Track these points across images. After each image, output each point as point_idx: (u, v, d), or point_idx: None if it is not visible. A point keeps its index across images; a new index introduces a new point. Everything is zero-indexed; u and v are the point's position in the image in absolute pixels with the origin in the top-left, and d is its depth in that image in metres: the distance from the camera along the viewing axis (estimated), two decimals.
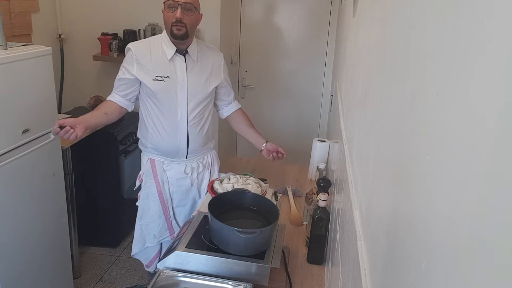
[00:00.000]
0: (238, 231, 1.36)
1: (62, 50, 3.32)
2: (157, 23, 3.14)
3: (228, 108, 2.15)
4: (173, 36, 1.84)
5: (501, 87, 0.27)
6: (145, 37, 3.11)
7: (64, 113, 2.97)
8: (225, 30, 3.42)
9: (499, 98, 0.27)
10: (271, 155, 2.07)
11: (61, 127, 1.69)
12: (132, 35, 3.16)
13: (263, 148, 2.09)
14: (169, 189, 2.02)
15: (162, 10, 1.85)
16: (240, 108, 2.19)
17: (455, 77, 0.36)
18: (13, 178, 1.86)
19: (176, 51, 1.88)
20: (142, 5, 3.21)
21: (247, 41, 3.83)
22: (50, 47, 2.07)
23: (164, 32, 1.92)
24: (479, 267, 0.28)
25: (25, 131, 1.90)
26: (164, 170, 2.00)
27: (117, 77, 1.94)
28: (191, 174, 2.04)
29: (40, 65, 2.00)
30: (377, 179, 0.67)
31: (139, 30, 3.17)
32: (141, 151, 2.09)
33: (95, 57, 3.23)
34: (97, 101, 2.87)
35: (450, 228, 0.34)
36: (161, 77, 1.87)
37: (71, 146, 2.42)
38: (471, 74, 0.32)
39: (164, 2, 1.82)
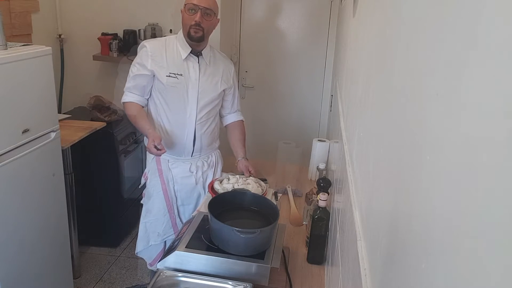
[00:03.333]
0: (238, 231, 1.36)
1: (62, 50, 3.32)
2: (157, 23, 3.14)
3: (231, 116, 2.18)
4: (189, 38, 1.89)
5: (501, 87, 0.27)
6: (145, 37, 3.11)
7: (64, 113, 2.97)
8: (225, 30, 3.42)
9: (499, 98, 0.27)
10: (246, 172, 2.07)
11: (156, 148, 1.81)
12: (132, 35, 3.16)
13: (236, 163, 2.12)
14: (174, 187, 2.04)
15: (182, 11, 1.89)
16: (241, 120, 2.21)
17: (455, 77, 0.36)
18: (13, 178, 1.86)
19: (191, 52, 1.93)
20: (142, 5, 3.21)
21: (247, 41, 3.83)
22: (50, 47, 2.07)
23: (180, 33, 1.95)
24: (479, 267, 0.28)
25: (25, 131, 1.90)
26: (169, 168, 2.02)
27: (131, 75, 1.95)
28: (196, 173, 2.06)
29: (40, 65, 2.00)
30: (377, 179, 0.67)
31: (139, 30, 3.17)
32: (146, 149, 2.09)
33: (95, 57, 3.23)
34: (97, 101, 2.87)
35: (450, 228, 0.34)
36: (174, 74, 1.91)
37: (71, 146, 2.42)
38: (471, 74, 0.32)
39: (185, 4, 1.87)
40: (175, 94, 1.93)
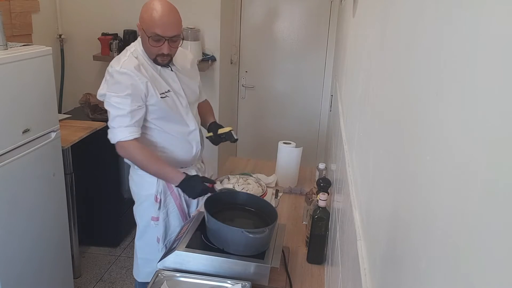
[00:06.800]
0: (247, 231, 1.36)
1: (62, 50, 3.33)
2: None
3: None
4: (157, 64, 1.75)
5: (501, 87, 0.27)
6: None
7: (64, 113, 2.97)
8: (225, 30, 3.42)
9: (499, 98, 0.27)
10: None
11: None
12: (132, 35, 3.16)
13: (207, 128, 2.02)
14: (184, 197, 1.95)
15: (142, 33, 1.67)
16: (206, 99, 2.12)
17: (455, 77, 0.36)
18: (13, 178, 1.86)
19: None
20: (142, 4, 3.20)
21: (247, 41, 3.83)
22: (50, 47, 2.07)
23: (140, 46, 1.76)
24: (479, 267, 0.28)
25: (25, 131, 1.90)
26: None
27: (126, 111, 1.67)
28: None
29: (41, 65, 2.00)
30: (377, 179, 0.67)
31: None
32: (136, 173, 1.92)
33: (95, 57, 3.23)
34: (92, 98, 2.87)
35: (450, 228, 0.34)
36: (164, 93, 1.76)
37: (71, 146, 2.42)
38: (471, 73, 0.32)
39: (148, 36, 1.65)
40: (173, 112, 1.79)
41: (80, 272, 2.73)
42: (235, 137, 1.86)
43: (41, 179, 2.07)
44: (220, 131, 1.84)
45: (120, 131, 1.69)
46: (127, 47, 1.82)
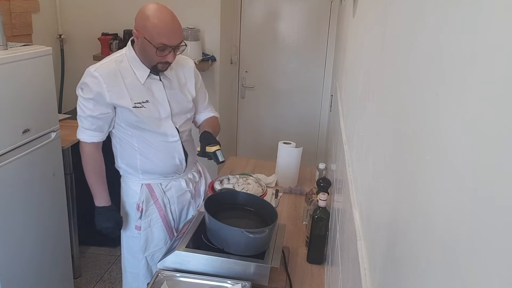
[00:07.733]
0: (247, 231, 1.36)
1: (62, 50, 3.33)
2: None
3: (202, 115, 1.98)
4: (155, 71, 1.68)
5: (501, 87, 0.27)
6: None
7: (64, 113, 2.97)
8: (225, 30, 3.43)
9: (499, 98, 0.27)
10: None
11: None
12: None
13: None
14: (171, 209, 1.88)
15: (148, 46, 1.58)
16: (214, 116, 2.00)
17: (455, 77, 0.36)
18: (13, 178, 1.86)
19: (150, 72, 1.69)
20: (142, 5, 3.20)
21: (247, 41, 3.83)
22: (50, 47, 2.07)
23: (129, 52, 1.69)
24: (479, 267, 0.28)
25: (25, 131, 1.90)
26: (164, 192, 1.85)
27: (85, 112, 1.66)
28: (189, 187, 1.92)
29: (41, 65, 2.00)
30: (377, 179, 0.67)
31: None
32: (121, 177, 1.91)
33: (95, 57, 3.22)
34: None
35: (450, 228, 0.34)
36: (140, 103, 1.67)
37: (71, 146, 2.42)
38: (471, 73, 0.32)
39: (156, 48, 1.57)
40: (149, 123, 1.70)
41: (80, 272, 2.73)
42: (220, 159, 1.71)
43: (41, 179, 2.07)
44: (208, 149, 1.72)
45: (81, 131, 1.71)
46: (118, 50, 1.77)
